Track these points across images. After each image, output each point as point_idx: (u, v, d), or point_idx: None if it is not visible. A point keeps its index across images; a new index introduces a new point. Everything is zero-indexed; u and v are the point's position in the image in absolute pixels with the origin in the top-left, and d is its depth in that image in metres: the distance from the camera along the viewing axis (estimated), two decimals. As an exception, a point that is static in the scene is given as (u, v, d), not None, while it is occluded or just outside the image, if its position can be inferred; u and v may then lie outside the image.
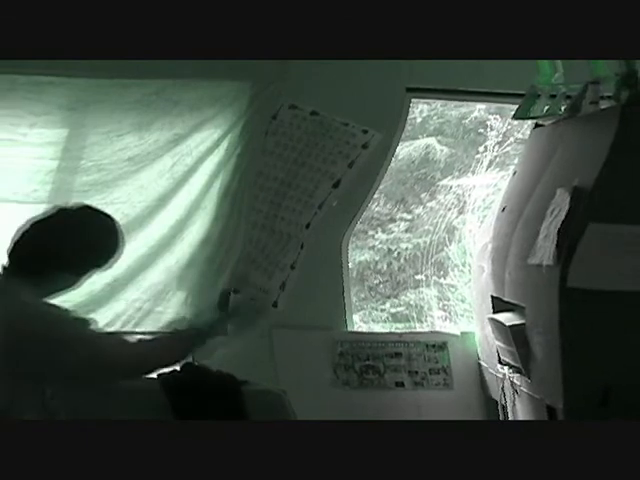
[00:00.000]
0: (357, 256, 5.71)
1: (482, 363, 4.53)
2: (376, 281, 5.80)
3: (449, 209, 5.46)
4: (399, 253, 5.72)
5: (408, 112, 4.76)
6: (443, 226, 5.47)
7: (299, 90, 4.31)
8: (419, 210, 5.73)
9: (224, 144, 4.41)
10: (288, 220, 4.43)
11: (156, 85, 4.23)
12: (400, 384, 4.55)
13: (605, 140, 3.54)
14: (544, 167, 4.02)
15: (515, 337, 3.78)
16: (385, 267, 5.78)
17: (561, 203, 3.54)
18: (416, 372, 4.61)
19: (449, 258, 5.47)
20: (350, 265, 4.88)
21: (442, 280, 5.49)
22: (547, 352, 3.57)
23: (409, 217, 5.78)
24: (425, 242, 5.53)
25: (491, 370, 4.34)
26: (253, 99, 4.41)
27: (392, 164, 4.86)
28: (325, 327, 4.65)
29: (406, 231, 5.75)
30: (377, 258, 5.82)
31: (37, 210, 4.10)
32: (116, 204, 4.30)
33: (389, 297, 5.73)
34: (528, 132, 4.61)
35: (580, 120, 3.96)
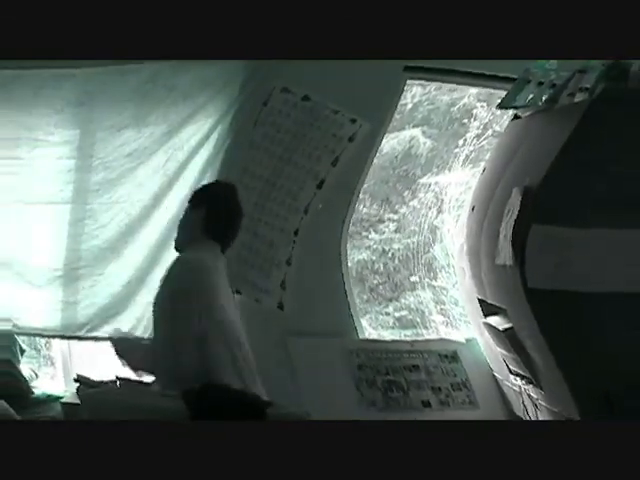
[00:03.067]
0: (355, 255, 5.75)
1: (496, 375, 4.52)
2: (375, 281, 5.86)
3: (429, 208, 5.50)
4: (393, 254, 5.78)
5: (402, 92, 4.83)
6: (426, 226, 5.51)
7: (294, 69, 4.35)
8: (404, 210, 5.77)
9: (214, 136, 4.52)
10: (272, 225, 4.53)
11: (150, 70, 4.34)
12: (427, 404, 4.54)
13: (562, 137, 3.52)
14: (509, 164, 4.02)
15: (511, 342, 3.83)
16: (382, 267, 5.84)
17: (514, 203, 3.59)
18: (439, 388, 4.58)
19: (436, 259, 5.50)
20: (349, 264, 4.93)
21: (434, 282, 5.52)
22: (543, 357, 3.60)
23: (396, 217, 5.83)
24: (414, 242, 5.58)
25: (506, 382, 4.34)
26: (246, 81, 4.49)
27: (376, 160, 4.94)
28: (337, 333, 4.70)
29: (396, 231, 5.81)
30: (374, 258, 5.88)
31: (64, 210, 4.42)
32: (120, 203, 4.51)
33: (391, 300, 5.78)
34: (506, 124, 4.56)
35: (549, 113, 3.92)
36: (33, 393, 4.52)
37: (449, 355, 4.69)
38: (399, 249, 5.76)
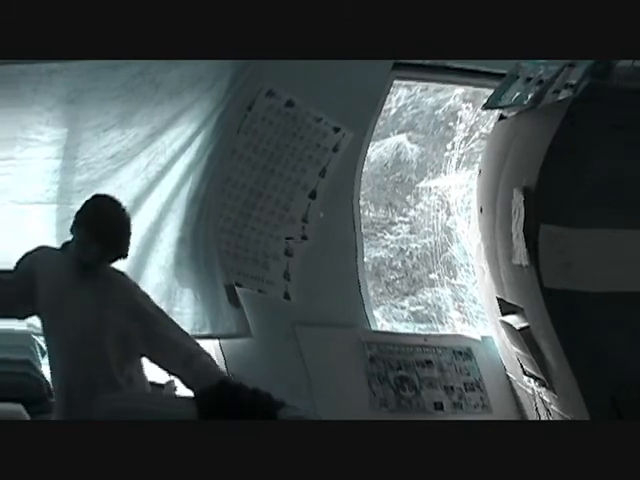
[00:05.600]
0: (372, 252, 5.88)
1: (510, 375, 4.47)
2: (392, 277, 5.94)
3: (438, 210, 5.57)
4: (411, 252, 5.86)
5: (389, 93, 4.84)
6: (440, 227, 5.57)
7: (280, 67, 4.30)
8: (412, 213, 5.85)
9: (197, 141, 4.45)
10: (260, 230, 4.56)
11: (140, 65, 4.25)
12: (439, 406, 4.53)
13: (548, 136, 3.53)
14: (503, 165, 4.00)
15: (527, 341, 3.84)
16: (400, 264, 5.94)
17: (518, 204, 3.60)
18: (452, 388, 4.55)
19: (454, 258, 5.54)
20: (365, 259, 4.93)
21: (453, 280, 5.56)
22: (557, 359, 3.61)
23: (407, 219, 5.90)
24: (430, 242, 5.64)
25: (520, 384, 4.29)
26: (233, 79, 4.39)
27: (366, 168, 4.91)
28: (348, 324, 4.68)
29: (410, 232, 5.88)
30: (391, 255, 5.99)
31: (50, 210, 4.42)
32: (102, 204, 4.36)
33: (407, 294, 5.85)
34: (492, 126, 4.55)
35: (534, 112, 3.89)
36: (53, 397, 4.16)
37: (463, 352, 4.64)
38: (417, 248, 5.81)
